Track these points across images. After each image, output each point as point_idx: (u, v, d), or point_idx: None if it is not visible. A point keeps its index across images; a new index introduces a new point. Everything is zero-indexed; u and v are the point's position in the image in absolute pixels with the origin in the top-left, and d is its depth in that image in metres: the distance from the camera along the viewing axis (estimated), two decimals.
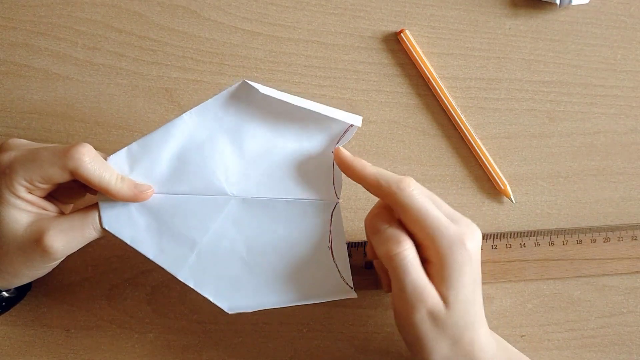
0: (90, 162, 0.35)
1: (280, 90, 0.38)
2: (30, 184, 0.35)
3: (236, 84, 0.37)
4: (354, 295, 0.40)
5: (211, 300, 0.39)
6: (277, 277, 0.39)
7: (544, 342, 0.46)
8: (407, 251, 0.36)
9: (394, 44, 0.48)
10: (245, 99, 0.38)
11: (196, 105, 0.38)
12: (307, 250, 0.39)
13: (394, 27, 0.48)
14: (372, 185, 0.38)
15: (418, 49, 0.48)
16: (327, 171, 0.39)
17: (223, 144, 0.38)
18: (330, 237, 0.39)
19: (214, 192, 0.38)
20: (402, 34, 0.48)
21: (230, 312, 0.39)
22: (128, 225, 0.38)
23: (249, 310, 0.39)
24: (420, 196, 0.36)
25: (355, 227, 0.46)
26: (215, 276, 0.39)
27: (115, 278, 0.46)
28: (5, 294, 0.41)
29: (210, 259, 0.39)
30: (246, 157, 0.39)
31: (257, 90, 0.37)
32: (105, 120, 0.47)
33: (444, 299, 0.36)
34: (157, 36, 0.47)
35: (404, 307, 0.36)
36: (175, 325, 0.45)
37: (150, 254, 0.38)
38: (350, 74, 0.48)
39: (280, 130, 0.39)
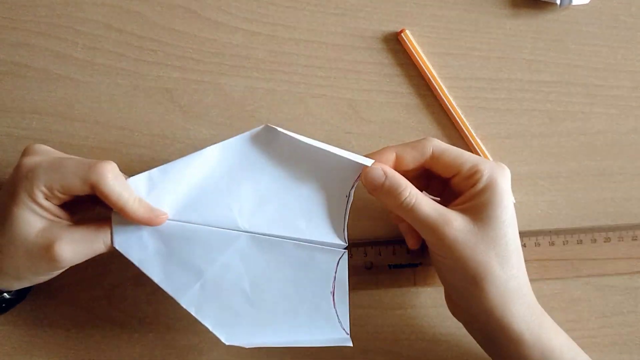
0: (113, 179, 0.36)
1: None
2: (50, 191, 0.36)
3: (260, 127, 0.39)
4: (349, 343, 0.40)
5: (210, 329, 0.39)
6: (276, 317, 0.40)
7: None
8: (412, 191, 0.38)
9: (394, 44, 0.48)
10: (266, 141, 0.39)
11: (222, 140, 0.39)
12: (309, 293, 0.40)
13: (394, 27, 0.48)
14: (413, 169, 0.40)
15: (418, 49, 0.48)
16: (339, 214, 0.40)
17: (241, 180, 0.39)
18: (333, 283, 0.40)
19: (226, 225, 0.39)
20: (402, 34, 0.48)
21: (227, 343, 0.39)
22: (137, 247, 0.38)
23: (246, 346, 0.39)
24: (443, 143, 0.40)
25: (355, 227, 0.46)
26: (216, 308, 0.39)
27: (115, 278, 0.46)
28: (6, 295, 0.41)
29: (214, 290, 0.39)
30: (261, 195, 0.40)
31: (278, 132, 0.39)
32: (105, 120, 0.47)
33: (481, 219, 0.38)
34: (157, 36, 0.47)
35: (434, 236, 0.38)
36: (175, 325, 0.45)
37: (155, 278, 0.39)
38: (350, 74, 0.48)
39: (297, 172, 0.40)
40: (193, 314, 0.39)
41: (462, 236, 0.37)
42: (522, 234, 0.47)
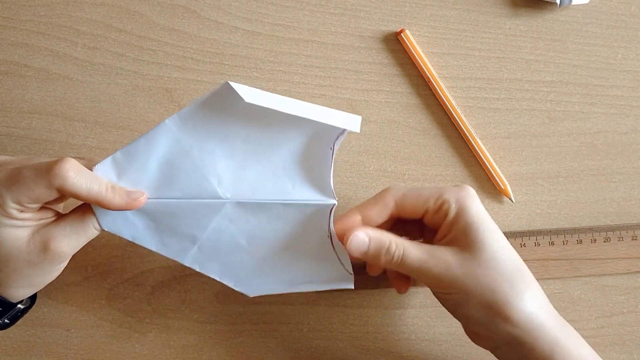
0: (76, 177, 0.34)
1: (267, 91, 0.36)
2: (20, 204, 0.35)
3: (218, 87, 0.36)
4: (351, 285, 0.39)
5: (217, 279, 0.39)
6: (279, 263, 0.39)
7: None
8: (398, 243, 0.37)
9: (394, 44, 0.48)
10: (231, 101, 0.36)
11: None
12: (307, 243, 0.39)
13: (394, 27, 0.48)
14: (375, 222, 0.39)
15: (418, 48, 0.48)
16: (324, 170, 0.38)
17: (212, 147, 0.37)
18: (329, 231, 0.39)
19: (207, 196, 0.38)
20: (402, 34, 0.48)
21: (236, 289, 0.39)
22: (126, 226, 0.38)
23: (251, 294, 0.39)
24: (402, 187, 0.40)
25: None
26: (219, 262, 0.39)
27: (115, 278, 0.46)
28: (20, 306, 0.41)
29: (213, 249, 0.39)
30: (238, 160, 0.38)
31: (240, 97, 0.35)
32: (105, 120, 0.47)
33: (467, 245, 0.37)
34: (157, 36, 0.47)
35: (432, 278, 0.37)
36: (175, 325, 0.45)
37: (153, 248, 0.38)
38: (350, 74, 0.48)
39: (272, 131, 0.38)
40: (198, 269, 0.39)
41: (459, 269, 0.36)
42: (522, 234, 0.47)
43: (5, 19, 0.47)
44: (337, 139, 0.38)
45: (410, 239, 0.39)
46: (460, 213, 0.37)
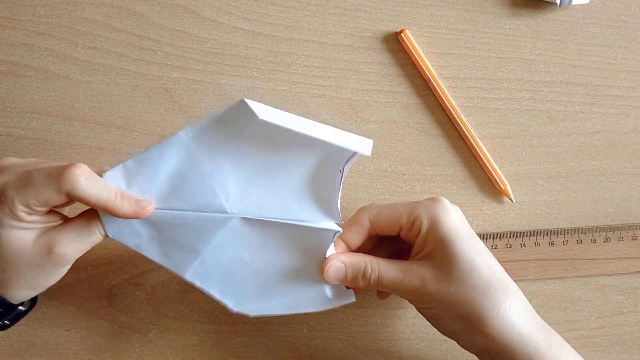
0: (86, 182, 0.35)
1: (282, 110, 0.37)
2: (28, 207, 0.35)
3: (234, 103, 0.36)
4: (353, 299, 0.40)
5: (216, 297, 0.39)
6: (282, 282, 0.39)
7: None
8: (373, 265, 0.38)
9: (394, 44, 0.48)
10: (245, 117, 0.36)
11: (194, 122, 0.37)
12: (309, 262, 0.39)
13: (394, 27, 0.48)
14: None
15: (418, 48, 0.48)
16: (332, 192, 0.38)
17: (222, 162, 0.38)
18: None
19: (214, 210, 0.38)
20: (402, 34, 0.48)
21: (235, 310, 0.39)
22: (131, 234, 0.38)
23: (252, 314, 0.39)
24: (379, 203, 0.40)
25: None
26: (220, 279, 0.39)
27: (115, 278, 0.46)
28: (21, 308, 0.41)
29: (215, 264, 0.39)
30: (247, 176, 0.38)
31: (255, 113, 0.35)
32: (105, 120, 0.47)
33: (441, 259, 0.37)
34: (157, 36, 0.47)
35: (408, 294, 0.38)
36: (175, 325, 0.45)
37: (155, 259, 0.38)
38: (350, 74, 0.48)
39: (282, 150, 0.38)
40: (198, 285, 0.39)
41: (433, 284, 0.37)
42: (522, 234, 0.47)
43: (5, 19, 0.47)
44: (347, 162, 0.38)
45: (393, 254, 0.41)
46: (433, 227, 0.38)
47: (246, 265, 0.39)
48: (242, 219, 0.38)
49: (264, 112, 0.36)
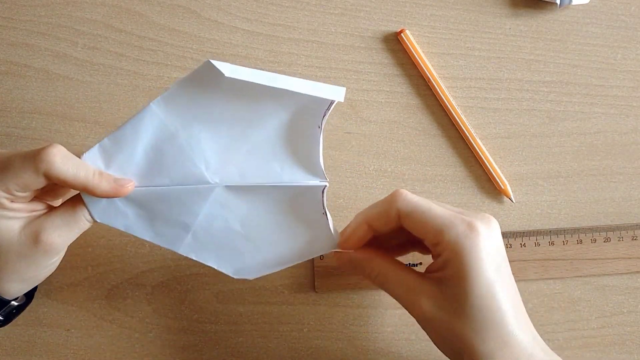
0: (62, 162, 0.34)
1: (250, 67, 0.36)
2: (10, 194, 0.35)
3: (200, 65, 0.35)
4: (335, 246, 0.39)
5: (215, 267, 0.39)
6: (276, 243, 0.39)
7: (544, 341, 0.46)
8: (381, 270, 0.37)
9: (394, 44, 0.48)
10: (213, 81, 0.35)
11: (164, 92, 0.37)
12: (300, 219, 0.39)
13: (394, 27, 0.48)
14: (380, 225, 0.37)
15: (418, 49, 0.48)
16: (313, 150, 0.37)
17: (197, 131, 0.37)
18: (324, 208, 0.38)
19: (195, 182, 0.37)
20: (402, 34, 0.48)
21: (235, 277, 0.39)
22: (118, 216, 0.37)
23: (252, 277, 0.39)
24: (417, 197, 0.36)
25: None
26: (214, 248, 0.39)
27: (115, 278, 0.46)
28: (14, 303, 0.40)
29: (207, 236, 0.38)
30: (224, 142, 0.37)
31: (221, 73, 0.34)
32: (105, 120, 0.47)
33: (450, 296, 0.34)
34: (157, 36, 0.47)
35: (408, 311, 0.37)
36: (175, 325, 0.45)
37: (146, 238, 0.38)
38: (350, 74, 0.48)
39: (256, 109, 0.37)
40: (194, 258, 0.38)
41: (433, 313, 0.35)
42: (522, 234, 0.47)
43: (5, 19, 0.47)
44: (324, 115, 0.37)
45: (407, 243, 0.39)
46: (451, 262, 0.34)
47: (238, 234, 0.39)
48: (226, 188, 0.38)
49: (231, 70, 0.35)
